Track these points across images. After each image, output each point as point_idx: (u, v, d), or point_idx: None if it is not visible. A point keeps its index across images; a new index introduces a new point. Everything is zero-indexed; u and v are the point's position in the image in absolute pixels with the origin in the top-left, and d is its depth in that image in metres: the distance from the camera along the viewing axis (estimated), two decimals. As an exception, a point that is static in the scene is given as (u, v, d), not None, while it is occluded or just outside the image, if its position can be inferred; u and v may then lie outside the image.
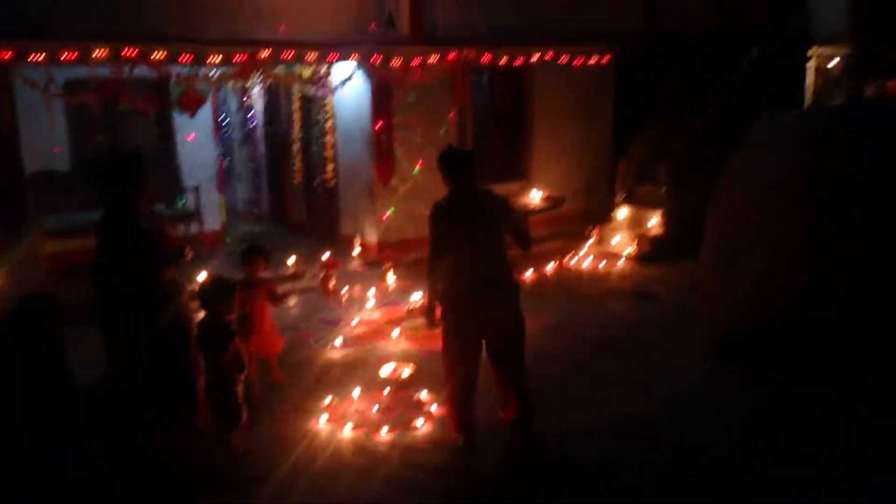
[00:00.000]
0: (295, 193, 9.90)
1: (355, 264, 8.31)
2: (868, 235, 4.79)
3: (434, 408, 4.73)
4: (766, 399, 4.78)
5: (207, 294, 4.04)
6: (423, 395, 4.93)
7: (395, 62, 7.97)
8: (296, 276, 7.80)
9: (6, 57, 6.27)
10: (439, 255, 4.09)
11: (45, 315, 3.55)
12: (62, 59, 6.49)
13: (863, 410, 4.53)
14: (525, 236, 4.37)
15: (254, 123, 10.70)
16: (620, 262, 8.39)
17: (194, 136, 8.99)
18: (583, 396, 4.95)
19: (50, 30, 6.57)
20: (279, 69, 7.94)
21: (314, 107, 9.15)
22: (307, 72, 8.23)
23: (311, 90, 8.38)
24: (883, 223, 4.76)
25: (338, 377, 5.36)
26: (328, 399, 4.87)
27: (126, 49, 6.71)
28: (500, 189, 5.14)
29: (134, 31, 6.91)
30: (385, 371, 5.34)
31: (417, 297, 6.64)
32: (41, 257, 6.83)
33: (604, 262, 8.39)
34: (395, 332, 6.18)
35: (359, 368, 5.52)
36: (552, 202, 8.38)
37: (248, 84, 7.63)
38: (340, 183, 9.00)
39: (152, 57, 6.85)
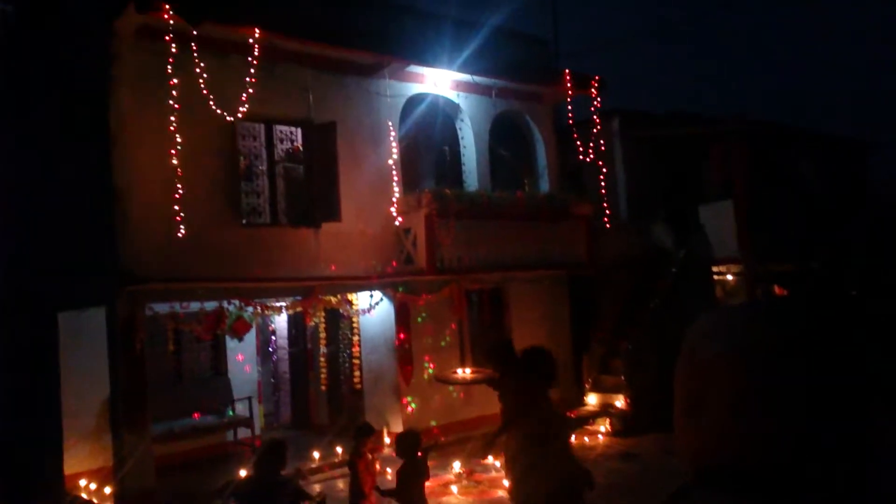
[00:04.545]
0: (319, 399, 11.67)
1: (387, 450, 9.99)
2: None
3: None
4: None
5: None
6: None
7: (413, 288, 10.46)
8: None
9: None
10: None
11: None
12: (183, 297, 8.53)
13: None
14: None
15: (275, 345, 12.65)
16: (600, 438, 10.48)
17: (242, 357, 10.94)
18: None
19: (170, 275, 8.65)
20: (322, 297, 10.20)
21: (342, 324, 11.33)
22: (335, 299, 10.51)
23: (351, 311, 10.61)
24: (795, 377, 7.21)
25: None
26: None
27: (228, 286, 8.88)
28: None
29: (231, 274, 9.08)
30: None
31: (457, 467, 8.52)
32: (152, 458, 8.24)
33: (586, 437, 10.45)
34: (454, 489, 8.02)
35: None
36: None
37: (311, 311, 9.76)
38: (365, 385, 10.94)
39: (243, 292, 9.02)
